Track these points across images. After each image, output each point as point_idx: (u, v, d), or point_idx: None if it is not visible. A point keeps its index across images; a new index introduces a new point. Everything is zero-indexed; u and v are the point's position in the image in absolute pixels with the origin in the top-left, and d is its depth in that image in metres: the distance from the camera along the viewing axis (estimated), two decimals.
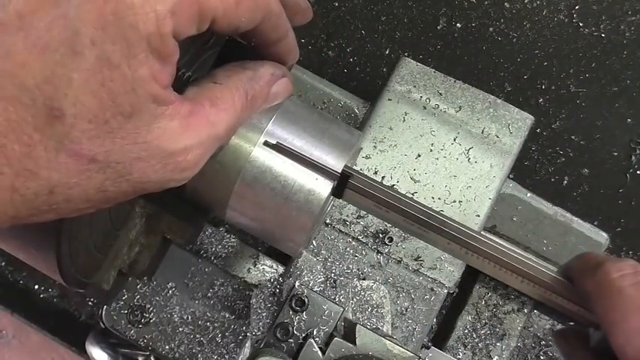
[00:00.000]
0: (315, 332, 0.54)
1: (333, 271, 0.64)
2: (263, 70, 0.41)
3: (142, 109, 0.32)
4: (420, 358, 0.54)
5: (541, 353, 0.73)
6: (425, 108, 0.68)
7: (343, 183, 0.50)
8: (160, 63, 0.32)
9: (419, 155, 0.67)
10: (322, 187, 0.50)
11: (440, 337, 0.73)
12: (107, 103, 0.31)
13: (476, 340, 0.70)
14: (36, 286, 0.83)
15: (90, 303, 0.82)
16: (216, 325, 0.65)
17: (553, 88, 0.81)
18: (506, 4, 0.82)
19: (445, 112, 0.68)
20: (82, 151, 0.31)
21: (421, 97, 0.69)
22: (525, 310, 0.70)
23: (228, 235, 0.73)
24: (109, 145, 0.32)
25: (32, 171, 0.31)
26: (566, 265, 0.51)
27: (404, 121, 0.68)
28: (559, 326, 0.73)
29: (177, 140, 0.34)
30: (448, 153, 0.67)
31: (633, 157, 0.80)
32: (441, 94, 0.69)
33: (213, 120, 0.36)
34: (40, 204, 0.32)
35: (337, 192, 0.50)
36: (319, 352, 0.53)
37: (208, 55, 0.49)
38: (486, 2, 0.82)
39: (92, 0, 0.30)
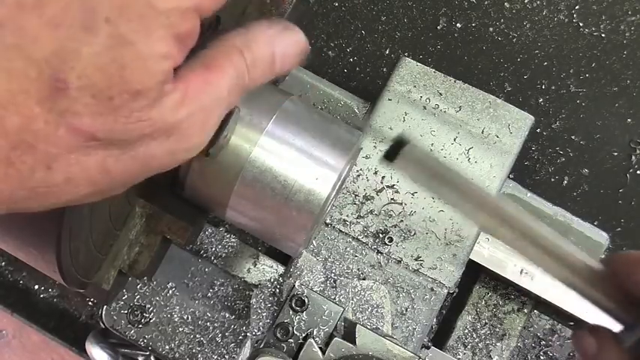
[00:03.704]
0: (315, 332, 0.54)
1: (333, 271, 0.64)
2: (257, 28, 0.39)
3: (151, 87, 0.32)
4: (420, 358, 0.54)
5: (541, 353, 0.73)
6: (425, 108, 0.68)
7: (398, 148, 0.45)
8: (176, 41, 0.32)
9: None
10: (322, 187, 0.50)
11: (440, 337, 0.73)
12: (115, 79, 0.31)
13: (476, 340, 0.70)
14: (36, 286, 0.83)
15: (90, 303, 0.82)
16: (216, 325, 0.65)
17: (553, 88, 0.81)
18: (506, 4, 0.81)
19: (445, 112, 0.68)
20: (82, 127, 0.31)
21: (421, 97, 0.69)
22: (525, 310, 0.70)
23: (228, 235, 0.73)
24: (112, 123, 0.31)
25: (29, 143, 0.30)
26: (609, 256, 0.47)
27: (404, 121, 0.68)
28: (559, 326, 0.73)
29: (179, 111, 0.34)
30: (448, 153, 0.67)
31: (633, 157, 0.80)
32: (441, 94, 0.69)
33: (211, 81, 0.36)
34: (37, 183, 0.32)
35: (391, 156, 0.46)
36: (319, 352, 0.53)
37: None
38: (486, 2, 0.82)
39: None
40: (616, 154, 0.81)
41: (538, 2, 0.81)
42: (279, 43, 0.39)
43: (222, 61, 0.36)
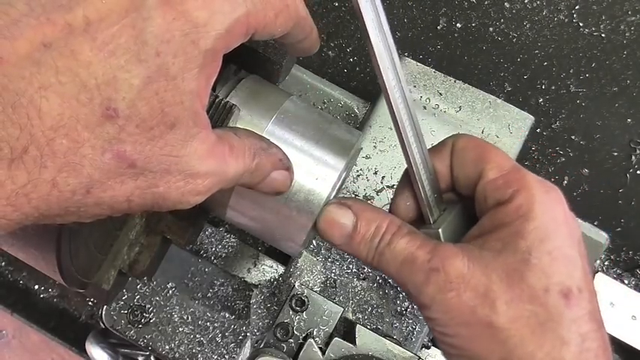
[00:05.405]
0: (315, 332, 0.54)
1: (333, 271, 0.64)
2: (275, 150, 0.44)
3: (183, 123, 0.34)
4: (420, 358, 0.54)
5: None
6: (425, 108, 0.68)
7: None
8: (205, 79, 0.34)
9: None
10: (322, 187, 0.50)
11: None
12: (157, 111, 0.33)
13: None
14: (36, 286, 0.83)
15: (90, 303, 0.82)
16: (216, 325, 0.65)
17: (553, 88, 0.81)
18: (506, 4, 0.82)
19: (445, 112, 0.68)
20: (125, 154, 0.32)
21: (421, 97, 0.69)
22: None
23: (228, 235, 0.73)
24: (148, 152, 0.33)
25: (76, 166, 0.31)
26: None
27: None
28: None
29: (202, 163, 0.36)
30: None
31: (633, 157, 0.80)
32: (441, 94, 0.69)
33: (228, 161, 0.38)
34: (72, 204, 0.33)
35: None
36: (319, 352, 0.53)
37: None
38: (486, 2, 0.82)
39: (162, 16, 0.32)
40: (616, 154, 0.81)
41: (538, 2, 0.81)
42: (279, 173, 0.44)
43: (240, 153, 0.39)
